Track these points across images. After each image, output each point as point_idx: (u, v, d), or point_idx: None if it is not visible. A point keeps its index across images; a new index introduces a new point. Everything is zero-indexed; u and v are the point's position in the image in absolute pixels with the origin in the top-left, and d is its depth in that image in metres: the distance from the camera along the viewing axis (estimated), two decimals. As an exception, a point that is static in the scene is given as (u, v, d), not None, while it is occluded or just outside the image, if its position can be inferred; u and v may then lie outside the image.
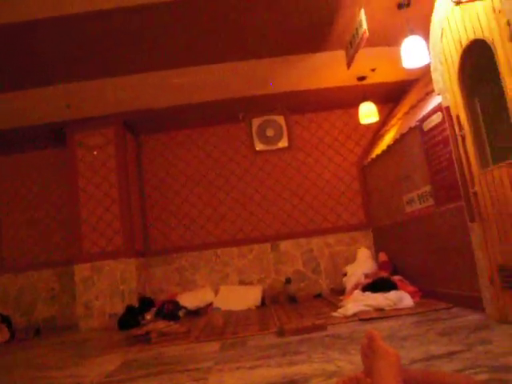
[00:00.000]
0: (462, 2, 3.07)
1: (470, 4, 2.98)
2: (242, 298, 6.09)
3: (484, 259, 3.26)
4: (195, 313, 5.88)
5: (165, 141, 6.99)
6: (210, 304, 6.11)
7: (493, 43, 2.80)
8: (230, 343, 3.73)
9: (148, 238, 6.75)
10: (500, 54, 2.75)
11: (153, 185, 6.88)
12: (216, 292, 6.35)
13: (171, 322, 4.73)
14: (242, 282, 6.53)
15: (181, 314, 5.68)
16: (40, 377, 3.37)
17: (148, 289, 6.41)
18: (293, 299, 6.13)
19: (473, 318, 3.42)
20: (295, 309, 5.35)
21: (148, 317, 5.46)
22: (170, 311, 5.60)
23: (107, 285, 5.92)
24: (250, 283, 6.51)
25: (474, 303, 3.58)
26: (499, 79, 2.79)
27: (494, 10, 2.73)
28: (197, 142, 6.99)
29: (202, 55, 4.83)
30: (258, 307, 5.97)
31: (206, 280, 6.58)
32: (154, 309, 5.72)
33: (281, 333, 3.76)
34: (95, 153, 6.18)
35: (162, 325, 4.52)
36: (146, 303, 5.89)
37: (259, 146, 6.90)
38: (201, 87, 5.60)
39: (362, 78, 5.85)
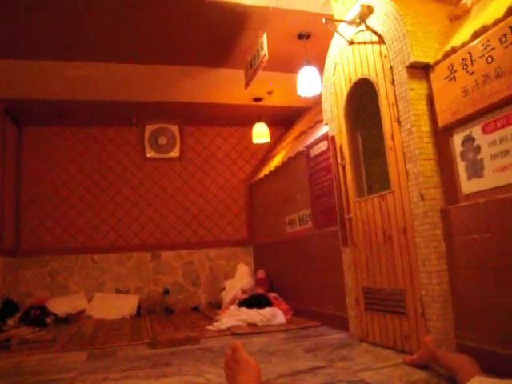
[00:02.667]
0: (354, 43, 3.34)
1: (362, 45, 3.24)
2: (117, 306, 5.84)
3: (352, 281, 3.50)
4: (65, 320, 5.50)
5: (50, 136, 6.51)
6: (83, 311, 5.78)
7: (377, 84, 3.07)
8: (99, 353, 3.54)
9: (20, 236, 6.19)
10: (382, 94, 3.02)
11: (31, 180, 6.34)
12: (90, 299, 6.02)
13: (37, 329, 4.40)
14: (118, 291, 6.27)
15: (49, 320, 5.27)
16: None
17: (14, 292, 5.85)
18: (169, 311, 6.04)
19: (338, 336, 3.64)
20: (171, 320, 5.27)
21: (10, 322, 4.99)
22: (37, 317, 5.18)
23: (-38, 285, 5.33)
24: (127, 292, 6.28)
25: (340, 322, 3.81)
26: (378, 117, 3.06)
27: (381, 54, 3.01)
28: (84, 141, 6.62)
29: (103, 51, 4.62)
30: (133, 317, 5.77)
31: (80, 286, 6.19)
32: (19, 314, 5.25)
33: (153, 344, 3.67)
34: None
35: (25, 331, 4.18)
36: (9, 307, 5.37)
37: (150, 153, 6.76)
38: (95, 84, 5.34)
39: (258, 99, 6.04)
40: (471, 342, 2.43)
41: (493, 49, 2.27)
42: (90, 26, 4.14)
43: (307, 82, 4.38)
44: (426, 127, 2.72)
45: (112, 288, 6.29)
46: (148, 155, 6.75)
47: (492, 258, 2.28)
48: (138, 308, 5.97)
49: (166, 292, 6.25)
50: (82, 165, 6.55)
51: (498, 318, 2.25)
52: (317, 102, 5.25)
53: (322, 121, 4.24)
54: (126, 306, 5.89)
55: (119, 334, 4.42)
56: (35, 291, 6.05)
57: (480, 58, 2.35)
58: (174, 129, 6.86)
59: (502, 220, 2.22)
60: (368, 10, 3.11)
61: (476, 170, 2.44)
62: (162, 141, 6.80)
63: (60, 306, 5.64)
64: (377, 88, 3.08)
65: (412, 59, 2.69)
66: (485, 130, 2.38)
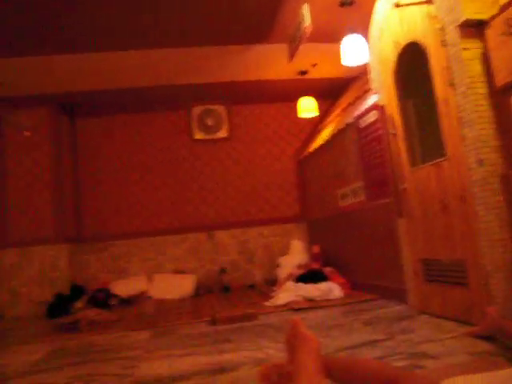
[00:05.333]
0: (401, 5, 3.18)
1: (409, 7, 3.09)
2: (175, 286, 6.03)
3: (409, 253, 3.42)
4: (128, 301, 5.75)
5: (102, 125, 6.72)
6: (143, 292, 6.01)
7: (427, 47, 2.93)
8: (161, 331, 3.68)
9: (81, 224, 6.49)
10: (433, 57, 2.88)
11: (88, 170, 6.61)
12: (150, 280, 6.25)
13: (102, 311, 4.61)
14: (176, 271, 6.46)
15: (113, 302, 5.53)
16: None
17: (80, 276, 6.17)
18: (227, 289, 6.16)
19: (396, 308, 3.59)
20: (228, 298, 5.38)
21: (79, 305, 5.28)
22: (102, 299, 5.45)
23: (36, 271, 5.66)
24: (185, 272, 6.46)
25: (398, 295, 3.75)
26: (430, 83, 2.92)
27: (430, 15, 2.85)
28: (135, 127, 6.79)
29: (145, 38, 4.68)
30: (191, 296, 5.94)
31: (139, 268, 6.44)
32: (86, 297, 5.54)
33: (213, 321, 3.77)
34: (27, 133, 5.84)
35: (92, 313, 4.40)
36: (77, 291, 5.69)
37: (198, 135, 6.83)
38: (142, 72, 5.44)
39: (303, 73, 5.93)
40: (539, 312, 2.33)
41: (554, -2, 2.10)
42: (132, 15, 4.19)
43: (352, 51, 4.24)
44: (482, 89, 2.58)
45: (170, 269, 6.49)
46: (196, 137, 6.82)
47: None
48: (197, 287, 6.13)
49: (223, 271, 6.37)
50: (135, 151, 6.73)
51: None
52: (363, 71, 5.08)
53: (370, 90, 4.12)
54: (185, 285, 6.07)
55: (179, 313, 4.57)
56: (99, 275, 6.35)
57: (540, 9, 2.19)
58: (221, 109, 6.88)
59: None
60: (414, -31, 2.96)
61: (539, 130, 2.29)
62: (210, 122, 6.85)
63: (122, 288, 5.89)
64: (427, 51, 2.94)
65: (464, 17, 2.53)
66: (547, 87, 2.23)
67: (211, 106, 6.86)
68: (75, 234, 6.31)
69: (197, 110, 6.83)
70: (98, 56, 4.90)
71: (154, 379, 2.36)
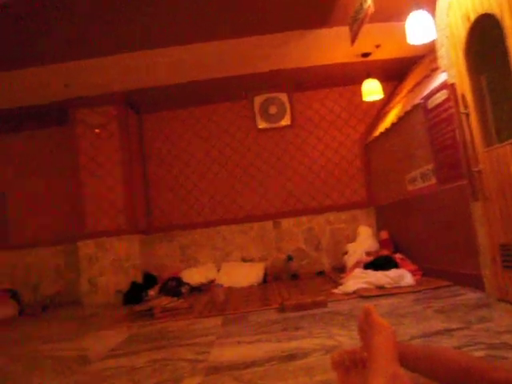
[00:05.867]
0: (470, -24, 3.00)
1: (479, -23, 2.91)
2: (244, 274, 6.12)
3: (486, 238, 3.26)
4: (198, 289, 5.94)
5: (167, 118, 6.93)
6: (213, 281, 6.15)
7: (502, 18, 2.74)
8: (232, 318, 3.76)
9: (151, 215, 6.77)
10: (508, 29, 2.69)
11: (155, 163, 6.86)
12: (218, 269, 6.39)
13: (174, 298, 4.78)
14: (243, 260, 6.57)
15: (184, 290, 5.72)
16: (46, 349, 3.42)
17: (152, 265, 6.44)
18: (294, 276, 6.17)
19: (472, 296, 3.43)
20: (297, 285, 5.39)
21: (152, 293, 5.51)
22: (174, 287, 5.65)
23: (111, 261, 5.98)
24: (252, 260, 6.54)
25: (474, 281, 3.59)
26: (507, 56, 2.74)
27: (504, -16, 2.67)
28: (199, 119, 6.93)
29: (205, 32, 4.74)
30: (259, 284, 6.02)
31: (208, 257, 6.61)
32: (158, 285, 5.77)
33: (282, 309, 3.79)
34: (97, 131, 6.14)
35: (165, 301, 4.57)
36: (149, 280, 5.95)
37: (262, 124, 6.84)
38: (203, 64, 5.53)
39: (366, 55, 5.76)
40: None
41: None
42: (192, 10, 4.25)
43: (418, 29, 4.05)
44: None
45: (237, 258, 6.60)
46: (260, 126, 6.84)
47: None
48: (264, 275, 6.19)
49: (290, 259, 6.39)
50: (199, 143, 6.87)
51: None
52: (430, 49, 4.85)
53: (437, 69, 3.94)
54: (253, 273, 6.14)
55: (249, 301, 4.64)
56: (169, 264, 6.58)
57: None
58: (283, 97, 6.84)
59: None
60: None
61: None
62: (272, 110, 6.84)
63: (192, 277, 6.08)
64: (502, 23, 2.75)
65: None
66: None
67: (273, 94, 6.84)
68: (146, 226, 6.58)
69: (259, 99, 6.84)
70: (159, 52, 5.03)
71: (226, 365, 2.42)
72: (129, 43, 4.77)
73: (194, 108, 6.92)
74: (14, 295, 5.90)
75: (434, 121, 4.18)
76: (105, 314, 5.02)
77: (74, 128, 6.20)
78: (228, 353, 2.66)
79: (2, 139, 6.83)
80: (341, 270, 5.90)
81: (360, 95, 6.22)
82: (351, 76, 6.46)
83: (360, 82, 6.08)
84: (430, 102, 4.25)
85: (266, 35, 4.99)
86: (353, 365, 1.09)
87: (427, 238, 4.72)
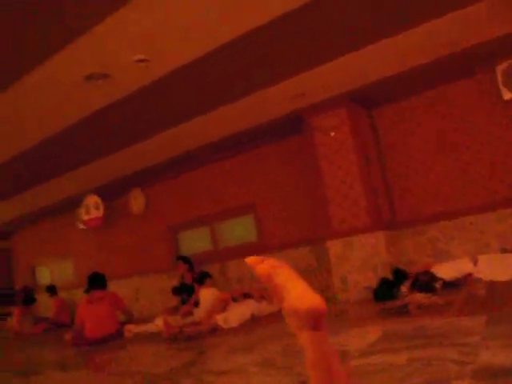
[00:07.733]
0: None
1: None
2: (505, 267, 5.39)
3: None
4: (452, 284, 5.50)
5: (398, 109, 6.66)
6: (469, 274, 5.62)
7: None
8: (498, 317, 3.35)
9: (393, 210, 6.62)
10: None
11: (392, 156, 6.67)
12: (474, 262, 5.80)
13: (429, 294, 4.56)
14: (504, 250, 5.77)
15: (437, 285, 5.39)
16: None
17: (399, 261, 6.27)
18: None
19: None
20: None
21: (403, 289, 5.37)
22: (426, 283, 5.38)
23: (359, 259, 6.05)
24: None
25: None
26: None
27: None
28: (433, 104, 6.43)
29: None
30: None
31: (461, 249, 6.04)
32: (409, 281, 5.58)
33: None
34: (332, 134, 6.32)
35: (420, 297, 4.41)
36: (399, 275, 5.81)
37: (508, 95, 5.93)
38: (432, 44, 5.12)
39: None
40: None
41: None
42: None
43: None
44: None
45: (496, 248, 5.85)
46: (506, 97, 5.92)
47: None
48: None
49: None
50: (437, 128, 6.39)
51: None
52: None
53: None
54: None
55: (516, 296, 4.08)
56: (417, 258, 6.29)
57: None
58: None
59: None
60: None
61: None
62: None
63: (445, 271, 5.65)
64: None
65: None
66: None
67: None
68: (389, 221, 6.46)
69: (501, 67, 5.95)
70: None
71: (497, 369, 2.15)
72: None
73: (428, 91, 6.43)
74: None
75: None
76: (356, 311, 5.09)
77: (311, 135, 6.51)
78: (498, 356, 2.36)
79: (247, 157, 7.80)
80: None
81: None
82: None
83: None
84: None
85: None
86: None
87: None
